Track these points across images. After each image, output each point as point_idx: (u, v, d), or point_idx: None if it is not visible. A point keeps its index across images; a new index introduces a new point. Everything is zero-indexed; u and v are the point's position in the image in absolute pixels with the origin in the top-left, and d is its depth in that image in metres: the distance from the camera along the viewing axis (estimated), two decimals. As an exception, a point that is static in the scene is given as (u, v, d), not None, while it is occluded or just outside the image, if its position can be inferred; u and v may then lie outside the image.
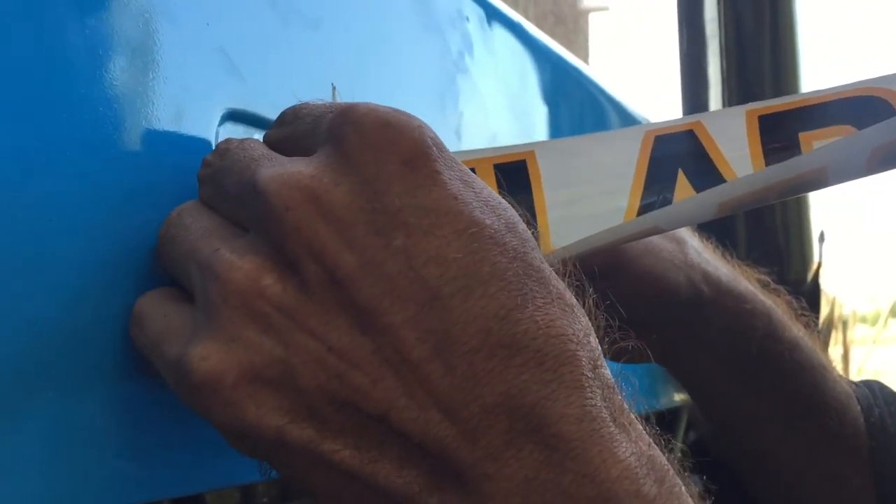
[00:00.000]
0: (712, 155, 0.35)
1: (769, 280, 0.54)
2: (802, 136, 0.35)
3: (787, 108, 0.35)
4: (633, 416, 0.26)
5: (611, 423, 0.24)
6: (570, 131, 0.62)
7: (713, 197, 0.34)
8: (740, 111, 0.36)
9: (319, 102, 0.27)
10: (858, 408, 0.52)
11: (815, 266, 0.88)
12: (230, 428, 0.24)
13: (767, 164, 0.35)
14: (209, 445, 0.30)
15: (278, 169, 0.24)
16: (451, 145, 0.45)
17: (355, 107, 0.25)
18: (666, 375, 0.72)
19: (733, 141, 0.35)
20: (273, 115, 0.32)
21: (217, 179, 0.27)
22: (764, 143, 0.35)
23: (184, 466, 0.29)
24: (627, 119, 0.74)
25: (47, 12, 0.24)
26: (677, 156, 0.35)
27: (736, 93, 0.86)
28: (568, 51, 0.64)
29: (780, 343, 0.50)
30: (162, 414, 0.28)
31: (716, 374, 0.52)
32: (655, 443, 0.26)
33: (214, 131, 0.30)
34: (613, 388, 0.25)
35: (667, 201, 0.35)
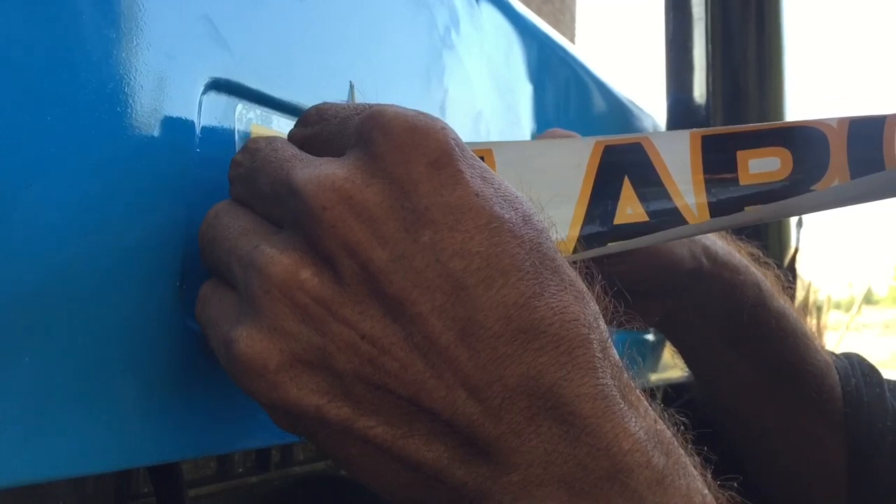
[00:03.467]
0: (657, 166, 0.37)
1: (760, 254, 0.57)
2: (740, 153, 0.38)
3: (729, 132, 0.38)
4: (639, 393, 0.28)
5: (621, 401, 0.26)
6: (555, 110, 0.62)
7: (667, 235, 0.38)
8: (685, 133, 0.38)
9: (343, 104, 0.29)
10: (837, 376, 0.55)
11: (791, 251, 0.89)
12: (275, 406, 0.26)
13: (708, 192, 0.38)
14: (185, 415, 0.30)
15: (313, 171, 0.26)
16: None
17: (383, 111, 0.26)
18: (640, 359, 0.73)
19: (676, 155, 0.38)
20: (257, 84, 0.32)
21: (250, 179, 0.28)
22: (705, 168, 0.38)
23: (160, 436, 0.29)
24: (611, 99, 0.74)
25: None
26: (624, 164, 0.38)
27: (720, 76, 0.86)
28: (554, 29, 0.64)
29: (768, 312, 0.54)
30: (138, 383, 0.28)
31: (710, 339, 0.55)
32: (660, 417, 0.28)
33: (197, 100, 0.30)
34: (621, 368, 0.27)
35: (612, 208, 0.37)
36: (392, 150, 0.26)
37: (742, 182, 0.37)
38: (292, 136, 0.30)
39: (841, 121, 0.37)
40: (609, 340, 0.27)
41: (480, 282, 0.25)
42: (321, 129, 0.29)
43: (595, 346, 0.26)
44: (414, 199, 0.25)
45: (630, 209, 0.38)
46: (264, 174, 0.28)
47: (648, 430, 0.26)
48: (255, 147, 0.29)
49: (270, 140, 0.29)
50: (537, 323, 0.25)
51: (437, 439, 0.26)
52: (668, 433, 0.27)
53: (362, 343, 0.25)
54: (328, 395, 0.26)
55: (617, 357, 0.27)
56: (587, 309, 0.27)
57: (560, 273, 0.27)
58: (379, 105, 0.27)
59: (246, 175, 0.29)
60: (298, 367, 0.25)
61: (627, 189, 0.37)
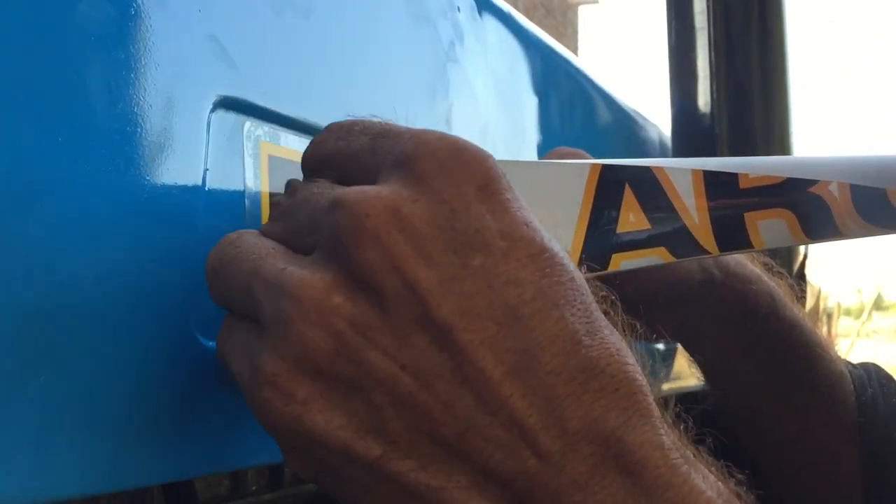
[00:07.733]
0: (661, 179, 0.37)
1: (773, 264, 0.57)
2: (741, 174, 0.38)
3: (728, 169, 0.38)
4: (694, 448, 0.26)
5: (681, 456, 0.24)
6: (560, 121, 0.62)
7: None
8: (687, 166, 0.38)
9: (367, 119, 0.27)
10: (851, 386, 0.55)
11: (800, 258, 0.89)
12: (297, 441, 0.24)
13: (708, 195, 0.38)
14: (199, 432, 0.30)
15: (356, 188, 0.24)
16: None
17: (426, 132, 0.25)
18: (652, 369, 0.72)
19: (679, 174, 0.38)
20: (264, 102, 0.32)
21: (287, 215, 0.27)
22: (708, 193, 0.37)
23: (174, 453, 0.29)
24: (616, 110, 0.74)
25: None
26: (625, 174, 0.38)
27: (724, 84, 0.87)
28: (558, 42, 0.64)
29: (780, 322, 0.53)
30: (152, 400, 0.28)
31: (724, 350, 0.55)
32: (721, 477, 0.26)
33: (206, 118, 0.30)
34: (671, 423, 0.25)
35: (614, 215, 0.37)
36: (440, 170, 0.24)
37: (742, 186, 0.37)
38: (310, 156, 0.28)
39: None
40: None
41: (535, 312, 0.23)
42: (347, 144, 0.27)
43: (649, 394, 0.24)
44: (465, 220, 0.24)
45: (632, 216, 0.38)
46: (305, 206, 0.26)
47: (715, 487, 0.24)
48: (294, 187, 0.27)
49: (311, 179, 0.27)
50: (595, 362, 0.23)
51: (481, 493, 0.23)
52: (732, 496, 0.25)
53: (402, 374, 0.23)
54: (359, 432, 0.23)
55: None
56: (634, 354, 0.25)
57: (602, 317, 0.25)
58: (418, 129, 0.26)
59: (283, 212, 0.27)
60: (329, 399, 0.23)
61: (629, 196, 0.37)
